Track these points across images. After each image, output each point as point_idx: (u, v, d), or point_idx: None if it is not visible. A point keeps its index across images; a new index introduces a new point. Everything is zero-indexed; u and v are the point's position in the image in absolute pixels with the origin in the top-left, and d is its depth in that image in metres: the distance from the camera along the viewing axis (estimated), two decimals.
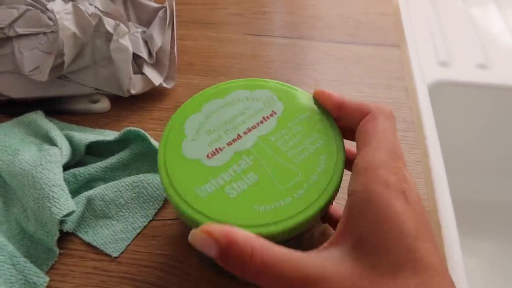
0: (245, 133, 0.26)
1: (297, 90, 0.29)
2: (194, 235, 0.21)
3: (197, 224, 0.21)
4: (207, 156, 0.25)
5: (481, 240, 0.76)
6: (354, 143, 0.25)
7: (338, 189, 0.25)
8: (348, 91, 0.45)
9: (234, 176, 0.24)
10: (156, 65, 0.43)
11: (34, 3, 0.39)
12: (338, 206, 0.27)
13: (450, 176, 0.41)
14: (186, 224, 0.27)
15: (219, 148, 0.25)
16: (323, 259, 0.20)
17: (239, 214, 0.23)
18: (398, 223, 0.20)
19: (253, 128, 0.26)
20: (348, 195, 0.22)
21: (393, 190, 0.21)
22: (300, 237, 0.26)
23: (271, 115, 0.27)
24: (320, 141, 0.26)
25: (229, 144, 0.26)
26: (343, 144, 0.26)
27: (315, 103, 0.28)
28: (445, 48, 0.66)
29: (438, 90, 0.62)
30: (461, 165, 0.70)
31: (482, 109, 0.68)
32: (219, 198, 0.23)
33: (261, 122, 0.27)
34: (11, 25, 0.38)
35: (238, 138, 0.26)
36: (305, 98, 0.28)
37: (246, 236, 0.20)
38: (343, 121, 0.27)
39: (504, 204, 0.77)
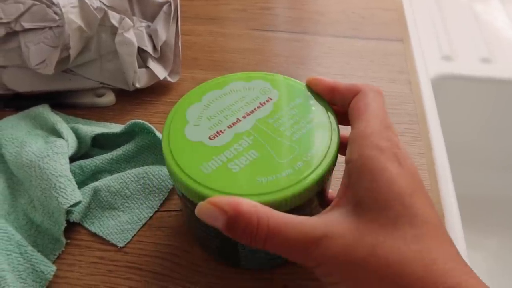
0: (244, 117, 0.28)
1: (291, 80, 0.30)
2: (201, 208, 0.21)
3: (203, 199, 0.22)
4: (209, 138, 0.26)
5: (485, 235, 0.76)
6: (348, 128, 0.26)
7: (335, 162, 0.26)
8: None
9: (236, 154, 0.25)
10: (161, 59, 0.43)
11: None
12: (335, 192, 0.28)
13: (454, 171, 0.41)
14: (188, 213, 0.27)
15: (220, 131, 0.27)
16: (325, 220, 0.21)
17: (243, 185, 0.24)
18: (394, 182, 0.21)
19: (251, 113, 0.28)
20: (346, 163, 0.24)
21: (386, 154, 0.22)
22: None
23: (267, 101, 0.29)
24: (315, 120, 0.27)
25: (229, 127, 0.27)
26: (337, 121, 0.27)
27: (308, 90, 0.29)
28: (448, 42, 0.66)
29: (441, 84, 0.62)
30: (465, 159, 0.70)
31: (485, 102, 0.68)
32: (223, 173, 0.24)
33: (258, 107, 0.28)
34: (17, 19, 0.39)
35: (238, 122, 0.27)
36: (299, 86, 0.30)
37: (252, 205, 0.21)
38: (336, 103, 0.28)
39: (508, 198, 0.77)
